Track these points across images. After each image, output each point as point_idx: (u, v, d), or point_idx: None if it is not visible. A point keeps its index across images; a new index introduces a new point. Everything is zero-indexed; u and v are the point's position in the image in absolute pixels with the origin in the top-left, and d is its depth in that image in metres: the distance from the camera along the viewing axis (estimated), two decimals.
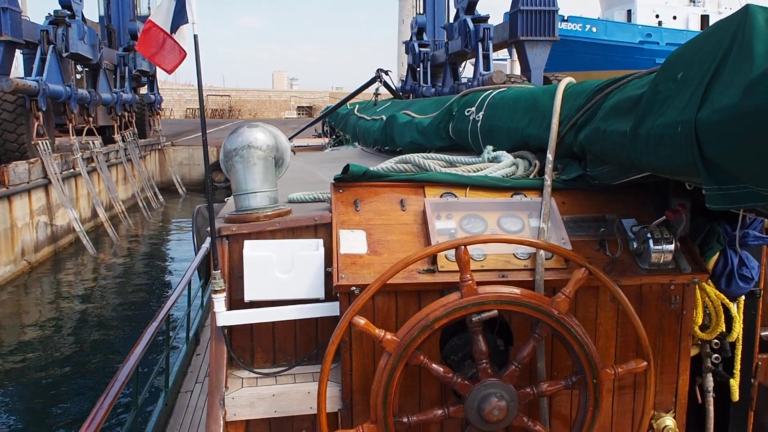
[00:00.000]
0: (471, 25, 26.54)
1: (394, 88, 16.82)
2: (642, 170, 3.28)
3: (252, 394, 3.77)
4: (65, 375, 13.40)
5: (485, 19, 26.97)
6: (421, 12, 38.72)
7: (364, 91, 16.91)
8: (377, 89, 15.82)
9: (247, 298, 3.81)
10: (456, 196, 4.05)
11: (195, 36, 3.75)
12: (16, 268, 19.57)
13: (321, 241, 3.91)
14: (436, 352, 3.72)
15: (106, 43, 34.93)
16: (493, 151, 4.88)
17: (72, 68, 29.92)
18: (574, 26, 54.91)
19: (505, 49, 31.85)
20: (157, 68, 37.98)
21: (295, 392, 3.79)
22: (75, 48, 25.59)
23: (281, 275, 3.79)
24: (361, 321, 3.32)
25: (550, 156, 4.15)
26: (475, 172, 4.52)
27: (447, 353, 3.81)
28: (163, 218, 32.04)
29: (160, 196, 34.78)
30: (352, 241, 3.78)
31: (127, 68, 35.63)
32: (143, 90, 41.21)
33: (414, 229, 3.88)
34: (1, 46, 22.42)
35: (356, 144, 13.09)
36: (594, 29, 55.52)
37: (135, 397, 6.49)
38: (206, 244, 10.88)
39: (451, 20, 31.75)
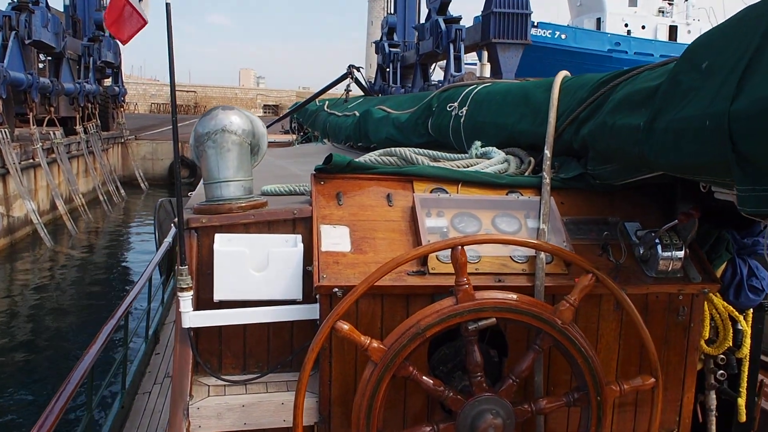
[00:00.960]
0: (443, 25, 26.36)
1: (365, 86, 16.55)
2: (655, 169, 3.00)
3: (219, 404, 3.44)
4: (16, 371, 12.86)
5: (457, 20, 26.82)
6: (392, 12, 38.47)
7: (333, 89, 16.65)
8: (348, 86, 15.53)
9: (217, 297, 3.48)
10: (447, 192, 3.77)
11: (167, 3, 3.41)
12: None
13: (299, 236, 3.60)
14: (424, 362, 3.41)
15: (70, 32, 34.14)
16: (481, 147, 4.61)
17: (35, 56, 29.12)
18: (544, 32, 55.16)
19: (474, 53, 31.77)
20: (122, 61, 37.23)
21: (267, 402, 3.47)
22: (38, 35, 24.90)
23: (255, 273, 3.47)
24: (345, 326, 3.01)
25: (547, 152, 3.90)
26: (465, 167, 4.24)
27: (435, 363, 3.51)
28: (124, 213, 31.33)
29: (122, 191, 34.02)
30: (334, 238, 3.47)
31: (91, 59, 34.83)
32: (107, 82, 40.36)
33: (402, 226, 3.60)
34: None
35: (325, 140, 12.81)
36: (563, 36, 55.98)
37: (89, 398, 6.08)
38: (169, 238, 10.47)
39: (423, 21, 31.59)
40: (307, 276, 3.50)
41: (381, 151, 4.53)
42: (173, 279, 11.61)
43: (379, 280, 3.12)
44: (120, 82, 41.02)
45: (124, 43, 3.92)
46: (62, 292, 18.17)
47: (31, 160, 23.97)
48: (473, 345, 3.08)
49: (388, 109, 8.30)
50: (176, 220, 3.37)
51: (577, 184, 3.85)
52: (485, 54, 30.51)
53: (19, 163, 22.23)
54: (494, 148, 4.49)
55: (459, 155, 4.66)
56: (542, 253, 3.37)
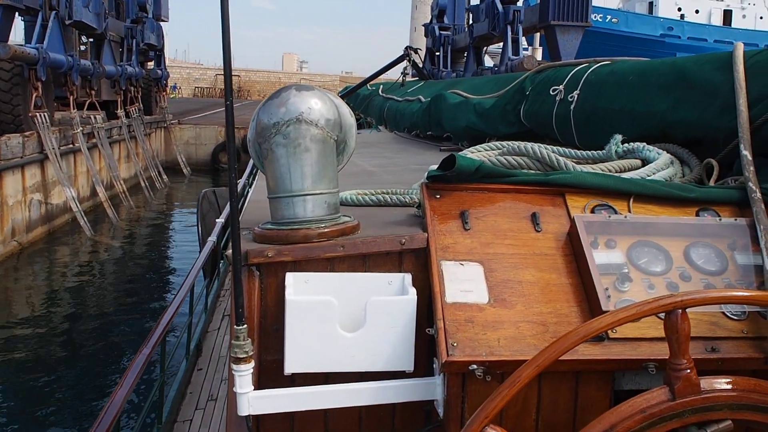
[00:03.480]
0: (500, 6, 24.99)
1: (423, 69, 15.47)
2: None
3: None
4: (53, 371, 12.04)
5: (515, 0, 25.42)
6: None
7: (384, 74, 15.65)
8: (405, 68, 14.51)
9: (289, 369, 2.45)
10: (616, 211, 2.69)
11: None
12: (5, 249, 18.16)
13: (409, 277, 2.55)
14: None
15: (113, 14, 33.42)
16: (623, 143, 3.50)
17: (75, 38, 28.39)
18: (595, 16, 53.26)
19: (524, 38, 30.37)
20: (165, 44, 36.63)
21: None
22: (79, 15, 24.05)
23: (345, 333, 2.43)
24: None
25: (746, 152, 2.79)
26: (617, 173, 3.14)
27: None
28: (166, 200, 30.63)
29: (164, 176, 33.34)
30: (463, 282, 2.44)
31: (134, 41, 34.07)
32: (150, 65, 39.71)
33: (558, 262, 2.55)
34: None
35: (381, 127, 11.83)
36: (615, 20, 54.36)
37: None
38: (213, 237, 9.51)
39: (474, 2, 30.24)
40: (421, 337, 2.47)
41: (500, 146, 3.47)
42: (217, 280, 10.70)
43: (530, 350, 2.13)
44: (163, 65, 40.34)
45: None
46: (101, 287, 17.42)
47: (71, 145, 23.24)
48: None
49: (466, 94, 7.20)
50: (230, 252, 2.34)
51: None
52: (536, 38, 29.16)
53: (59, 148, 21.52)
54: (645, 144, 3.40)
55: (589, 153, 3.57)
56: None
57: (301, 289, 2.48)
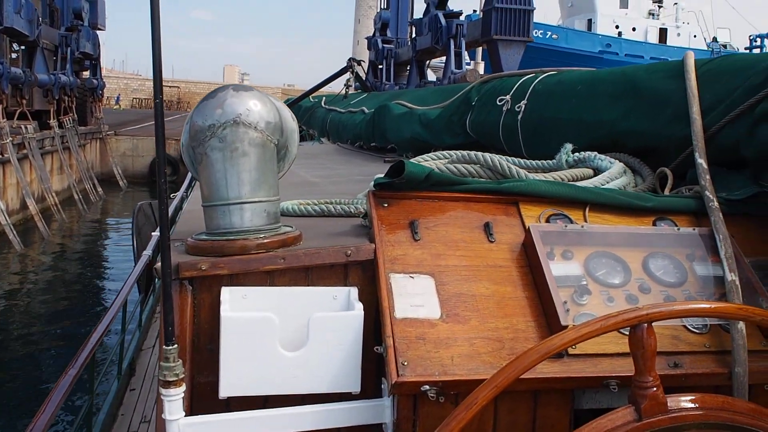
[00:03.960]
0: (443, 20, 25.01)
1: (366, 81, 15.30)
2: None
3: None
4: None
5: (458, 14, 25.50)
6: (385, 7, 37.15)
7: (327, 87, 15.45)
8: (348, 80, 14.33)
9: (224, 392, 2.22)
10: (572, 221, 2.58)
11: None
12: None
13: (355, 291, 2.38)
14: None
15: (47, 21, 32.51)
16: (573, 152, 3.36)
17: (6, 46, 27.44)
18: (535, 32, 53.94)
19: (467, 53, 30.50)
20: (102, 54, 35.71)
21: None
22: (9, 22, 23.24)
23: (286, 352, 2.22)
24: None
25: (702, 161, 2.70)
26: (570, 182, 2.98)
27: None
28: (101, 213, 29.72)
29: (99, 189, 32.40)
30: (413, 296, 2.28)
31: (69, 49, 33.15)
32: (86, 74, 38.72)
33: (513, 274, 2.42)
34: None
35: (323, 139, 11.65)
36: (555, 36, 55.39)
37: None
38: (148, 251, 9.11)
39: (416, 16, 30.24)
40: (368, 356, 2.29)
41: (449, 155, 3.32)
42: (153, 296, 10.27)
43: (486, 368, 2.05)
44: (99, 74, 39.39)
45: None
46: (30, 305, 16.65)
47: (0, 156, 22.38)
48: None
49: (411, 105, 7.02)
50: (158, 265, 2.12)
51: (748, 208, 2.70)
52: (479, 52, 29.30)
53: None
54: (596, 154, 3.28)
55: (539, 162, 3.43)
56: (739, 322, 2.18)
57: (238, 305, 2.28)
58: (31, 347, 13.64)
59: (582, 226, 2.50)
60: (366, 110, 9.25)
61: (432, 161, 3.45)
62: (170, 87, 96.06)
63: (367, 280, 2.44)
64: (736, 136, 2.75)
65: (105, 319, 6.14)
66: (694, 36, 61.89)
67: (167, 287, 2.06)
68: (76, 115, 33.24)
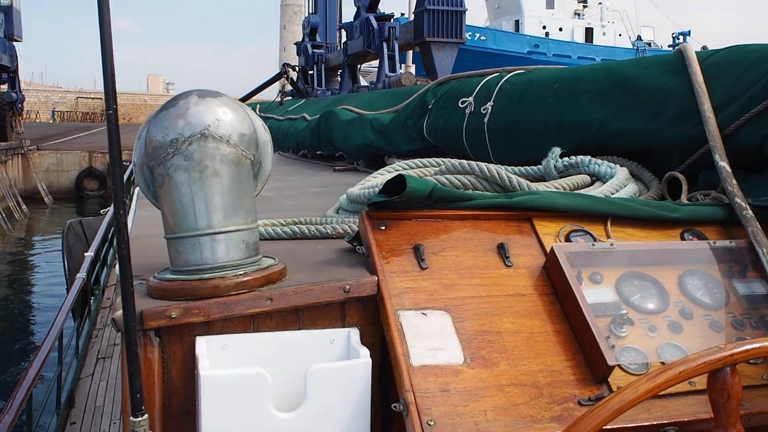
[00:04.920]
0: (375, 23, 24.77)
1: (300, 86, 14.91)
2: None
3: None
4: None
5: (389, 17, 25.30)
6: (313, 12, 36.81)
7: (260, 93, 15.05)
8: (283, 86, 13.94)
9: None
10: (594, 237, 2.25)
11: None
12: None
13: (357, 333, 2.02)
14: None
15: None
16: (563, 156, 3.09)
17: None
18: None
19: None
20: (20, 66, 34.38)
21: None
22: None
23: (281, 414, 1.83)
24: None
25: (723, 164, 2.46)
26: (568, 190, 2.70)
27: None
28: (27, 231, 28.50)
29: (24, 206, 31.12)
30: (428, 336, 1.91)
31: None
32: (4, 88, 37.24)
33: (537, 303, 2.08)
34: None
35: None
36: (483, 38, 55.83)
37: None
38: (82, 273, 8.59)
39: (345, 20, 30.01)
40: (377, 413, 1.96)
41: (435, 164, 3.06)
42: (88, 319, 9.71)
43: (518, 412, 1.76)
44: (17, 87, 37.94)
45: None
46: None
47: None
48: None
49: (358, 110, 6.71)
50: (117, 314, 1.73)
51: None
52: (409, 55, 29.22)
53: None
54: (590, 158, 2.99)
55: (522, 169, 3.16)
56: None
57: (218, 358, 1.88)
58: None
59: (611, 244, 2.16)
60: (308, 117, 8.91)
61: (416, 170, 3.16)
62: (93, 99, 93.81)
63: (369, 318, 2.09)
64: (759, 135, 2.50)
65: (40, 354, 5.65)
66: (620, 35, 63.31)
67: (132, 345, 1.65)
68: None
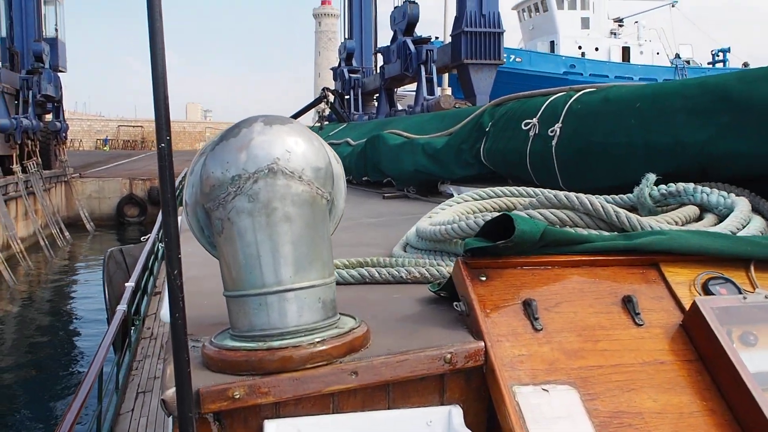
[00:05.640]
0: (412, 47, 24.61)
1: (340, 111, 14.77)
2: None
3: None
4: None
5: (427, 40, 25.11)
6: (349, 37, 36.85)
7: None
8: (323, 111, 13.79)
9: None
10: (737, 286, 1.85)
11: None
12: None
13: (459, 413, 1.66)
14: None
15: (8, 66, 31.68)
16: (657, 183, 2.75)
17: None
18: None
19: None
20: (64, 95, 34.91)
21: None
22: None
23: None
24: None
25: None
26: (677, 226, 2.35)
27: None
28: (69, 258, 28.71)
29: (66, 233, 31.38)
30: (553, 420, 1.55)
31: (30, 92, 32.24)
32: (49, 117, 37.78)
33: (680, 373, 1.68)
34: None
35: None
36: (518, 59, 55.46)
37: None
38: (123, 305, 8.42)
39: (381, 45, 29.92)
40: None
41: (521, 193, 2.73)
42: (128, 352, 9.54)
43: None
44: (62, 117, 38.47)
45: None
46: None
47: None
48: None
49: (407, 134, 6.45)
50: (171, 392, 1.43)
51: None
52: (445, 78, 29.02)
53: None
54: (694, 185, 2.64)
55: (609, 198, 2.83)
56: None
57: None
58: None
59: (766, 297, 1.76)
60: (351, 141, 8.69)
61: (481, 201, 2.86)
62: (134, 127, 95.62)
63: (474, 394, 1.72)
64: None
65: (80, 393, 5.44)
66: (657, 53, 62.53)
67: (187, 426, 1.35)
68: (39, 159, 32.29)
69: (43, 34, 37.36)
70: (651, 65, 58.05)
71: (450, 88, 34.52)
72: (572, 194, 2.24)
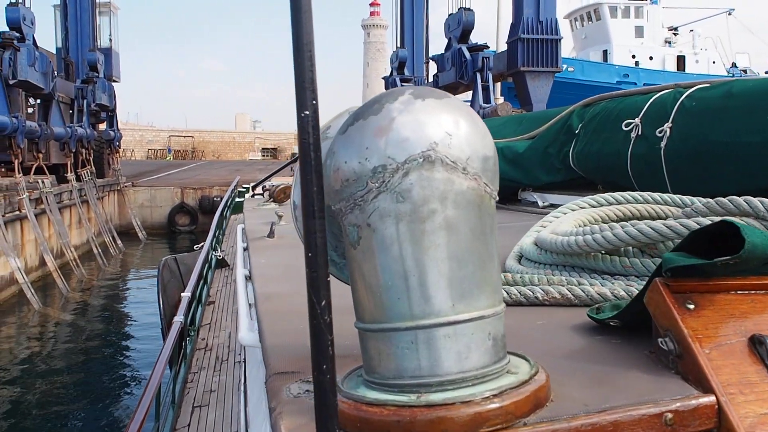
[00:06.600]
0: (467, 54, 24.27)
1: None
2: None
3: None
4: None
5: (483, 47, 24.76)
6: (400, 46, 36.66)
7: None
8: None
9: None
10: None
11: None
12: None
13: None
14: None
15: (63, 75, 32.14)
16: None
17: (22, 99, 26.92)
18: None
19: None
20: (117, 105, 35.34)
21: None
22: (24, 75, 22.68)
23: None
24: None
25: None
26: None
27: None
28: (121, 266, 28.85)
29: (119, 242, 31.61)
30: None
31: (85, 101, 32.69)
32: (102, 126, 38.29)
33: None
34: None
35: None
36: (571, 69, 54.65)
37: None
38: (179, 317, 8.15)
39: (432, 53, 29.67)
40: None
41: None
42: (184, 363, 9.28)
43: None
44: (115, 125, 38.98)
45: None
46: (50, 366, 15.67)
47: (17, 212, 21.61)
48: None
49: None
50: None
51: None
52: (497, 87, 28.61)
53: (4, 216, 19.92)
54: None
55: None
56: None
57: None
58: (56, 419, 12.64)
59: None
60: None
61: (616, 207, 2.44)
62: (184, 137, 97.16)
63: None
64: None
65: (138, 414, 5.13)
66: (713, 62, 61.18)
67: None
68: (93, 168, 32.67)
69: (98, 44, 37.92)
70: (707, 74, 56.74)
71: (501, 97, 34.14)
72: (751, 198, 1.80)
